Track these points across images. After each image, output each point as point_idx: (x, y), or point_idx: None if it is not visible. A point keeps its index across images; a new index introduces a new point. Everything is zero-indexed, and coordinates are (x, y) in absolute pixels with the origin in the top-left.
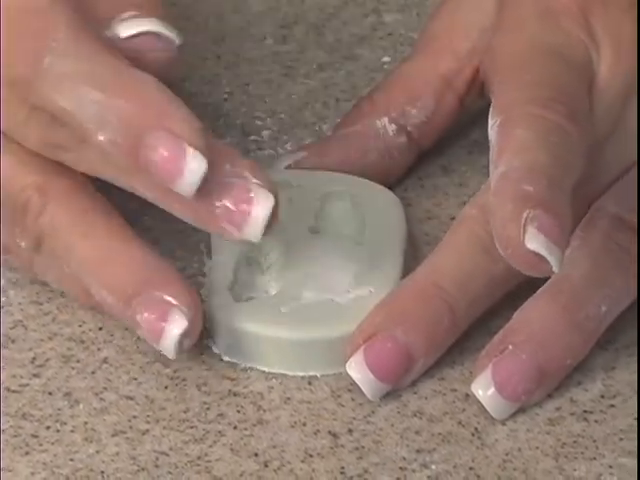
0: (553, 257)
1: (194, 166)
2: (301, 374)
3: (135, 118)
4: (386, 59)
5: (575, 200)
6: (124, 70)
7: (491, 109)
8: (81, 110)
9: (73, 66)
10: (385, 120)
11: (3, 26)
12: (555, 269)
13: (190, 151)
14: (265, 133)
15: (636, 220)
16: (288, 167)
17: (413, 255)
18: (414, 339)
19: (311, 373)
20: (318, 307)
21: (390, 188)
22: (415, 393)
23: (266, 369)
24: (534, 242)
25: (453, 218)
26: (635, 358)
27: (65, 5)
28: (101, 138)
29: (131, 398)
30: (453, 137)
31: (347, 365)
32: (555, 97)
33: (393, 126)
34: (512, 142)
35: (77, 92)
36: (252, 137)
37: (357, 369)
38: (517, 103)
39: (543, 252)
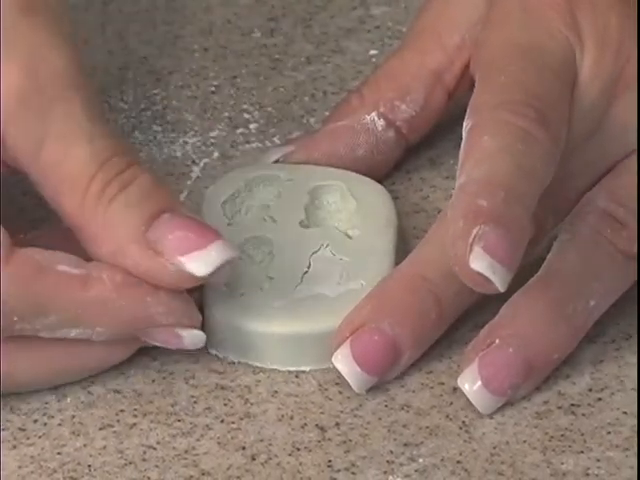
0: (497, 277)
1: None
2: (293, 369)
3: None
4: (374, 52)
5: (557, 197)
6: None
7: (468, 109)
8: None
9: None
10: (374, 115)
11: None
12: (500, 289)
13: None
14: (253, 126)
15: (625, 215)
16: (277, 161)
17: (401, 248)
18: (401, 331)
19: (304, 368)
20: (309, 301)
21: (377, 181)
22: (402, 386)
23: (258, 364)
24: (478, 262)
25: (440, 211)
26: (622, 352)
27: None
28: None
29: (118, 392)
30: (441, 130)
31: (333, 358)
32: (527, 101)
33: (382, 121)
34: (476, 150)
35: None
36: (240, 130)
37: (343, 362)
38: (488, 107)
39: (487, 273)
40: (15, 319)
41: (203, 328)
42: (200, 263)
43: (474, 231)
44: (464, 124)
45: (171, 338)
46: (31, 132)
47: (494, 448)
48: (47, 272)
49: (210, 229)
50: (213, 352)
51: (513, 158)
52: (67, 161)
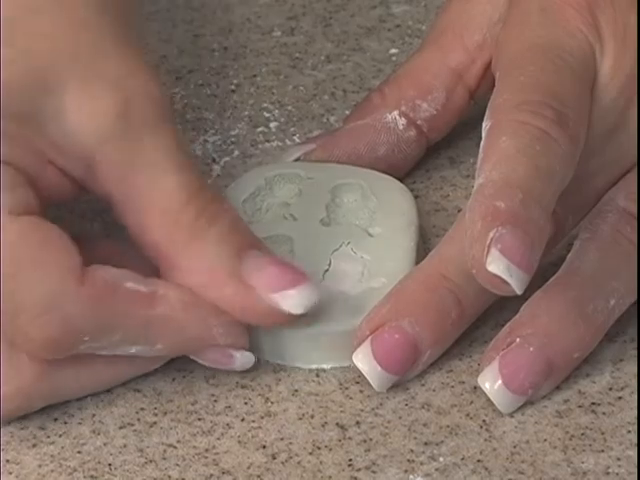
0: (514, 280)
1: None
2: (314, 367)
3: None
4: (394, 51)
5: (578, 196)
6: None
7: (487, 109)
8: None
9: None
10: (395, 114)
11: None
12: (517, 292)
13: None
14: (273, 125)
15: None
16: (297, 160)
17: (421, 247)
18: (421, 330)
19: (324, 366)
20: (330, 300)
21: (397, 179)
22: (423, 385)
23: (279, 362)
24: (495, 265)
25: (460, 210)
26: None
27: None
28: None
29: (139, 390)
30: (461, 129)
31: (354, 356)
32: (545, 101)
33: (403, 120)
34: (495, 151)
35: None
36: (260, 129)
37: (364, 360)
38: (506, 107)
39: (504, 275)
40: (85, 339)
41: None
42: (295, 301)
43: (491, 233)
44: (483, 124)
45: (224, 358)
46: (124, 157)
47: (514, 447)
48: (117, 291)
49: (299, 269)
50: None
51: (531, 159)
52: (157, 189)
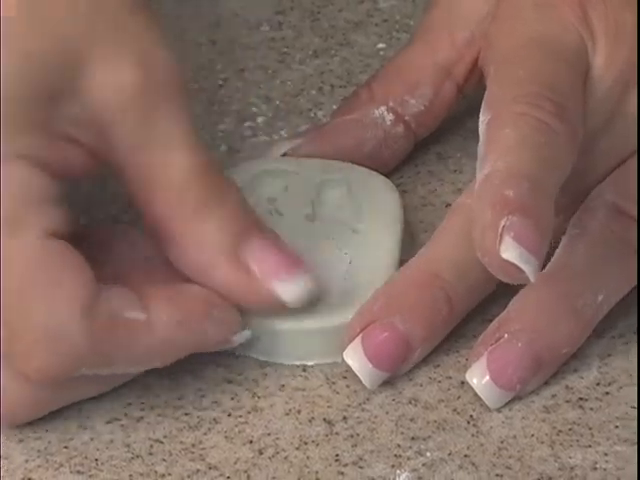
0: (528, 266)
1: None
2: (297, 363)
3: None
4: (381, 45)
5: (570, 191)
6: None
7: (483, 103)
8: None
9: None
10: (383, 109)
11: None
12: (531, 278)
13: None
14: (260, 119)
15: (634, 209)
16: (284, 155)
17: (409, 242)
18: (412, 327)
19: (307, 362)
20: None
21: (385, 175)
22: (410, 380)
23: (263, 358)
24: (510, 252)
25: (448, 205)
26: (630, 346)
27: None
28: None
29: (125, 385)
30: (449, 124)
31: (344, 353)
32: (544, 94)
33: (391, 115)
34: (498, 143)
35: None
36: (247, 123)
37: (355, 357)
38: (505, 100)
39: (518, 262)
40: (83, 370)
41: None
42: (290, 290)
43: (502, 221)
44: (480, 118)
45: (222, 344)
46: (139, 128)
47: (502, 442)
48: (118, 323)
49: (300, 259)
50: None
51: (535, 150)
52: (167, 163)
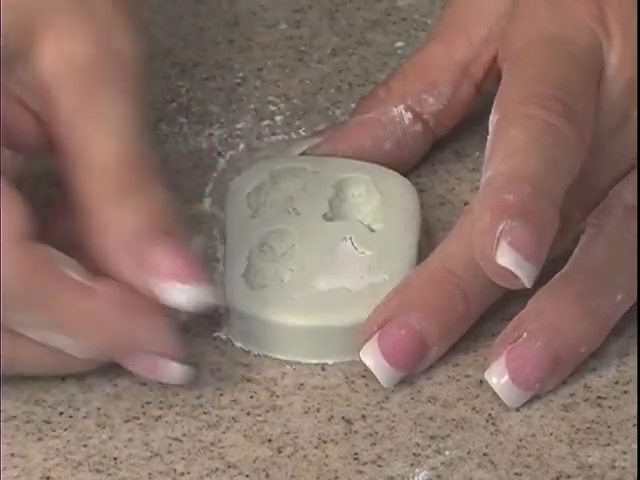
0: (524, 273)
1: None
2: (314, 361)
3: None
4: (399, 44)
5: (584, 191)
6: None
7: (494, 102)
8: None
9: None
10: (401, 108)
11: None
12: (527, 285)
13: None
14: (278, 118)
15: None
16: (302, 153)
17: (427, 241)
18: (428, 326)
19: (324, 361)
20: (331, 294)
21: (403, 174)
22: (429, 379)
23: (280, 357)
24: (505, 258)
25: (466, 203)
26: None
27: None
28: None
29: (144, 384)
30: (467, 122)
31: (361, 352)
32: (554, 94)
33: (409, 114)
34: (503, 144)
35: None
36: (265, 122)
37: (371, 356)
38: (514, 100)
39: (513, 268)
40: (13, 307)
41: (224, 320)
42: (177, 296)
43: (500, 226)
44: (490, 117)
45: (152, 367)
46: (79, 104)
47: (520, 441)
48: (54, 271)
49: (204, 271)
50: (238, 345)
51: (540, 152)
52: (96, 145)
